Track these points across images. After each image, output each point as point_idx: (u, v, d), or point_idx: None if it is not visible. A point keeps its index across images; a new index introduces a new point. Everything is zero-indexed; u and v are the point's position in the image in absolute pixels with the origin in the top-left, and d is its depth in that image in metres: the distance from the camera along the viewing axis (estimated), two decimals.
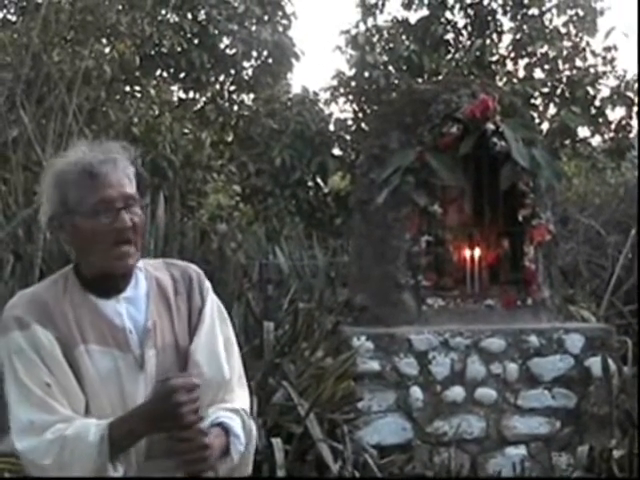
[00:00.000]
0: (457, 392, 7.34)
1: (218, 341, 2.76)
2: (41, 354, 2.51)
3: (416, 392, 7.29)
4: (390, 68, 12.81)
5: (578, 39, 12.83)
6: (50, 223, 2.65)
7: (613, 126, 12.36)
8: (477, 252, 7.73)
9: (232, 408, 2.68)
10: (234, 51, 13.20)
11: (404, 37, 13.06)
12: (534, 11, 12.95)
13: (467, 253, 7.76)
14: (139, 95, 11.23)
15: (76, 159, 2.61)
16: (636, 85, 12.10)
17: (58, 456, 2.45)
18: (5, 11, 12.33)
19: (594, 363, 7.31)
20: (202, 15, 12.98)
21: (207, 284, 2.85)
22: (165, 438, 2.51)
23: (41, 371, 2.50)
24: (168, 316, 2.70)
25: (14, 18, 11.73)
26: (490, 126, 7.56)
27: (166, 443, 2.51)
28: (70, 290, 2.63)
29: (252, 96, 13.55)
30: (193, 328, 2.73)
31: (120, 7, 10.20)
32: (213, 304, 2.81)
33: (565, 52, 12.75)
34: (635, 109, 12.14)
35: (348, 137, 12.81)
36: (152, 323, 2.66)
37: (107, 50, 9.68)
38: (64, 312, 2.57)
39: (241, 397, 2.80)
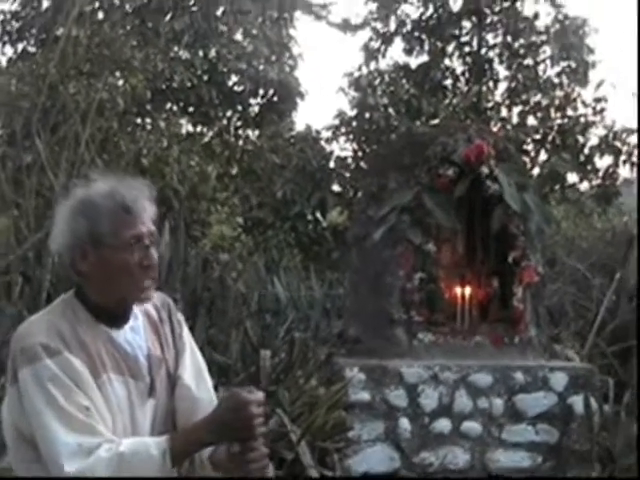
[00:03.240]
0: (444, 424, 7.43)
1: (200, 364, 2.86)
2: (75, 379, 2.49)
3: (404, 423, 7.37)
4: (390, 110, 12.89)
5: (570, 89, 12.96)
6: (69, 250, 2.60)
7: (601, 173, 12.49)
8: (468, 290, 7.84)
9: None
10: (242, 88, 13.32)
11: (404, 81, 13.16)
12: (529, 61, 13.12)
13: (458, 291, 7.85)
14: (149, 127, 11.31)
15: (108, 192, 2.60)
16: (624, 135, 12.30)
17: (117, 472, 2.44)
18: (25, 43, 12.57)
19: (577, 401, 7.39)
20: (212, 53, 13.11)
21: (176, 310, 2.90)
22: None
23: (78, 395, 2.48)
24: (159, 343, 2.76)
25: (33, 49, 11.96)
26: (484, 170, 7.68)
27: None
28: (80, 319, 2.61)
29: (257, 132, 13.58)
30: (177, 353, 2.80)
31: (135, 43, 10.43)
32: (187, 329, 2.88)
33: (557, 101, 12.88)
34: (622, 158, 12.34)
35: (347, 174, 12.82)
36: (154, 350, 2.73)
37: (120, 83, 9.79)
38: (83, 341, 2.56)
39: None
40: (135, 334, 2.70)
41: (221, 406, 2.54)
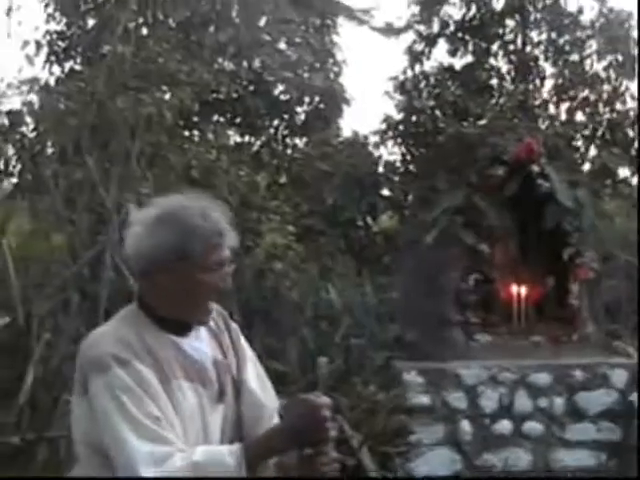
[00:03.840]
0: (505, 425, 7.48)
1: (261, 371, 2.91)
2: (145, 389, 2.52)
3: (465, 425, 7.44)
4: (437, 112, 12.85)
5: (617, 83, 12.85)
6: (150, 260, 2.62)
7: None
8: (523, 290, 7.87)
9: None
10: (287, 97, 13.33)
11: (450, 83, 13.09)
12: (575, 57, 13.02)
13: (514, 290, 7.89)
14: (197, 140, 11.39)
15: (201, 212, 2.63)
16: None
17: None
18: (72, 61, 12.71)
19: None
20: (257, 63, 13.13)
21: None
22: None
23: (149, 405, 2.51)
24: (221, 350, 2.81)
25: (80, 67, 12.07)
26: (535, 168, 7.73)
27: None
28: (146, 329, 2.65)
29: (304, 140, 13.60)
30: (239, 360, 2.85)
31: (180, 56, 10.50)
32: (243, 338, 2.94)
33: (605, 96, 12.79)
34: None
35: (396, 178, 12.79)
36: (219, 357, 2.78)
37: (167, 97, 9.87)
38: (152, 350, 2.60)
39: None
40: (199, 342, 2.74)
41: (292, 413, 2.57)
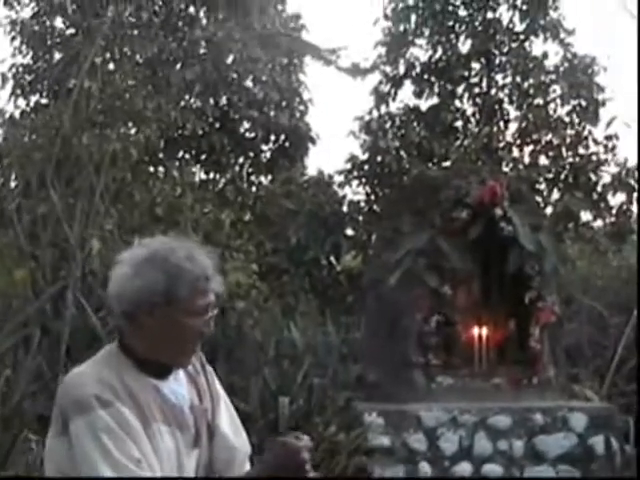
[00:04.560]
0: (465, 468, 7.45)
1: (233, 412, 2.87)
2: (127, 431, 2.50)
3: (425, 467, 7.41)
4: (402, 153, 12.95)
5: (581, 128, 12.96)
6: (135, 302, 2.59)
7: (614, 211, 12.48)
8: (485, 332, 7.87)
9: None
10: (253, 135, 13.40)
11: (415, 124, 13.19)
12: (539, 101, 13.15)
13: (475, 333, 7.89)
14: (162, 176, 11.39)
15: (189, 256, 2.60)
16: (637, 172, 12.31)
17: None
18: (38, 95, 12.70)
19: (597, 442, 7.44)
20: (223, 101, 13.20)
21: None
22: None
23: (131, 448, 2.48)
24: (197, 394, 2.76)
25: (46, 101, 12.07)
26: (498, 211, 7.75)
27: None
28: (126, 370, 2.61)
29: (270, 178, 13.68)
30: (213, 402, 2.80)
31: (146, 93, 10.53)
32: (217, 379, 2.89)
33: (568, 140, 12.88)
34: (635, 195, 12.35)
35: (361, 218, 12.87)
36: (196, 401, 2.73)
37: (133, 133, 9.88)
38: (132, 392, 2.56)
39: None
40: (178, 385, 2.72)
41: (272, 454, 2.55)
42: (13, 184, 9.60)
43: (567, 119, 13.13)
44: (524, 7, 13.11)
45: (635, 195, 12.39)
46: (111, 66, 11.61)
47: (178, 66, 13.00)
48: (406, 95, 13.61)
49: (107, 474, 2.44)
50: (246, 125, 13.53)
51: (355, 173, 13.21)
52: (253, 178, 13.79)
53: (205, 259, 2.64)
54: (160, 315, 2.59)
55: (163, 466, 2.55)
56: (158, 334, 2.61)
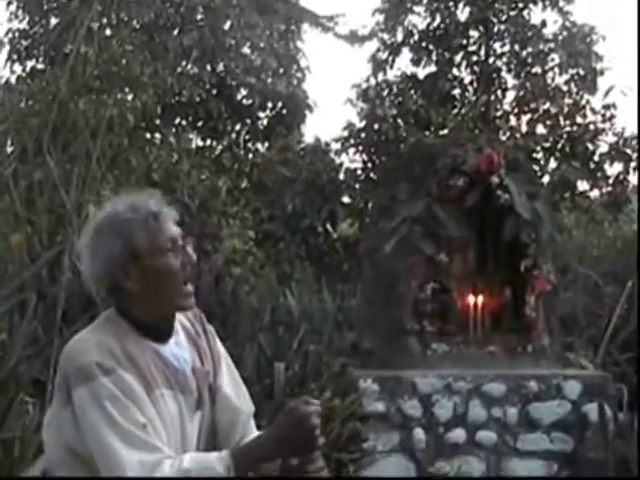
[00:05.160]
0: (459, 434, 7.49)
1: (236, 373, 2.88)
2: (131, 397, 2.49)
3: (419, 433, 7.43)
4: (399, 121, 12.93)
5: (579, 97, 12.95)
6: (109, 274, 2.59)
7: (611, 180, 12.49)
8: (480, 300, 7.89)
9: None
10: (250, 102, 13.36)
11: (413, 92, 13.16)
12: (537, 70, 13.12)
13: (471, 301, 7.91)
14: (159, 142, 11.38)
15: (130, 205, 2.61)
16: (634, 142, 12.30)
17: None
18: (34, 60, 12.65)
19: (591, 409, 7.44)
20: (221, 67, 13.16)
21: None
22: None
23: (135, 413, 2.47)
24: (199, 356, 2.77)
25: (42, 67, 12.03)
26: (495, 179, 7.74)
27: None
28: (127, 335, 2.60)
29: (266, 145, 13.68)
30: (215, 364, 2.81)
31: (143, 59, 10.49)
32: (218, 340, 2.89)
33: (566, 109, 12.87)
34: (632, 164, 12.34)
35: (357, 186, 12.87)
36: (198, 363, 2.74)
37: (130, 99, 9.85)
38: (132, 357, 2.55)
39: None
40: (179, 348, 2.72)
41: (281, 420, 2.53)
42: (9, 149, 9.58)
43: (565, 88, 13.10)
44: None
45: (632, 165, 12.39)
46: (108, 31, 11.56)
47: (175, 32, 12.96)
48: (404, 63, 13.59)
49: (113, 441, 2.44)
50: (243, 92, 13.50)
51: (352, 141, 13.20)
52: (250, 145, 13.77)
53: (145, 200, 2.63)
54: (135, 272, 2.59)
55: (167, 431, 2.55)
56: (144, 290, 2.61)
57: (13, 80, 12.24)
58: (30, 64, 12.75)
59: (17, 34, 12.84)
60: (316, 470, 2.55)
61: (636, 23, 11.31)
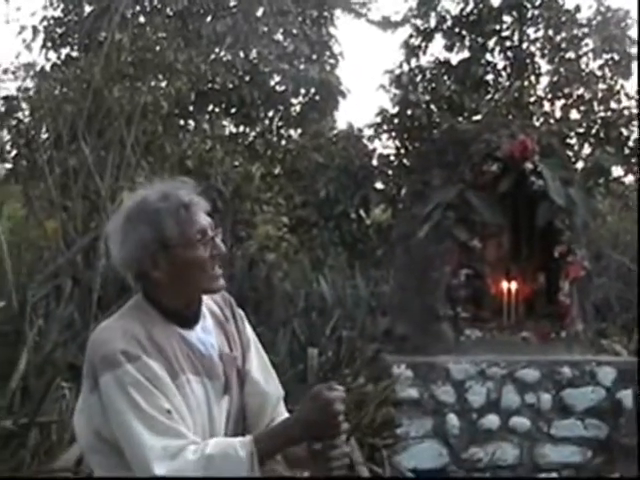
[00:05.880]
0: (492, 420, 7.46)
1: (265, 358, 2.85)
2: (155, 383, 2.49)
3: (453, 419, 7.42)
4: (432, 107, 12.93)
5: (613, 82, 12.89)
6: (137, 262, 2.57)
7: None
8: (514, 286, 7.84)
9: None
10: (283, 88, 13.38)
11: (446, 77, 13.16)
12: (571, 55, 13.07)
13: (504, 287, 7.86)
14: (193, 129, 11.42)
15: (162, 195, 2.59)
16: None
17: (205, 474, 2.44)
18: (69, 48, 12.72)
19: (625, 395, 7.41)
20: (254, 54, 13.19)
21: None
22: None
23: (160, 399, 2.48)
24: (227, 341, 2.74)
25: (77, 54, 12.09)
26: (529, 165, 7.69)
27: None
28: (153, 321, 2.60)
29: (299, 131, 13.67)
30: (244, 349, 2.79)
31: (177, 46, 10.53)
32: (248, 324, 2.87)
33: (600, 94, 12.82)
34: None
35: (390, 172, 12.87)
36: (225, 349, 2.72)
37: (164, 86, 9.89)
38: (158, 344, 2.55)
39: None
40: (206, 334, 2.71)
41: (306, 405, 2.52)
42: (44, 136, 9.66)
43: (599, 73, 13.04)
44: None
45: None
46: (142, 19, 11.63)
47: (209, 19, 13.00)
48: (437, 49, 13.57)
49: (137, 427, 2.45)
50: (276, 78, 13.51)
51: (385, 127, 13.19)
52: (283, 131, 13.78)
53: (177, 189, 2.61)
54: (164, 262, 2.58)
55: (194, 416, 2.56)
56: (172, 280, 2.60)
57: (48, 67, 12.33)
58: (65, 51, 12.83)
59: (52, 22, 12.91)
60: (339, 456, 2.51)
61: (636, 23, 11.27)
